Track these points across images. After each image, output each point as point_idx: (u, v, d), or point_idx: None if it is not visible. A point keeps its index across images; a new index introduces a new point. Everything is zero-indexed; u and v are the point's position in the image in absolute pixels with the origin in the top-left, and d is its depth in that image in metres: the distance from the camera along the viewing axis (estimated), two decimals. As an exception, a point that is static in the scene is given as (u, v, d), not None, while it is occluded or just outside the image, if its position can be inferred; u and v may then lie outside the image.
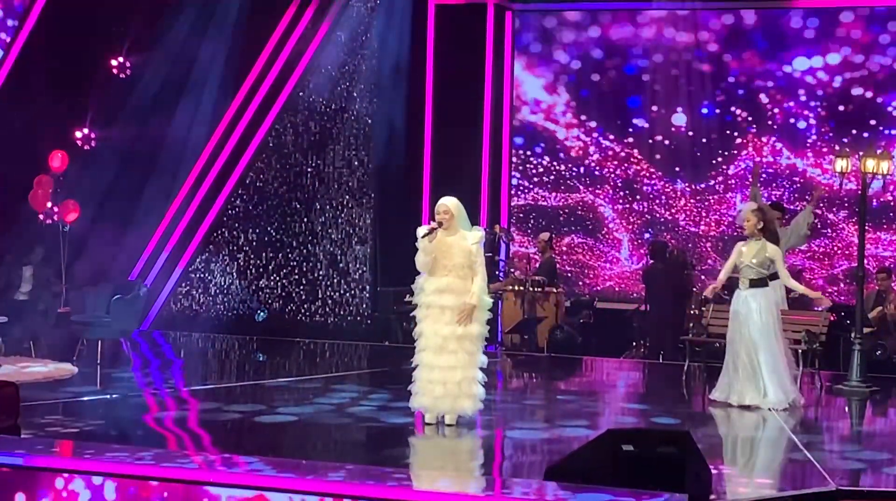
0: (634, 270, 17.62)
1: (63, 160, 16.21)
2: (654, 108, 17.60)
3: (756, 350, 11.28)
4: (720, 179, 17.38)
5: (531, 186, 18.07)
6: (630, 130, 17.75)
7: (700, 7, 17.36)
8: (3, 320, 12.96)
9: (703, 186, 17.45)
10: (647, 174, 17.67)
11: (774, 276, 11.57)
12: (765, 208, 12.23)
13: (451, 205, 9.56)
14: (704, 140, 17.40)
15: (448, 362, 9.47)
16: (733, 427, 10.83)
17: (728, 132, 17.35)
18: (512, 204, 18.10)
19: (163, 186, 17.32)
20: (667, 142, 17.58)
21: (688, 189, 17.51)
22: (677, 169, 17.56)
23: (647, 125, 17.68)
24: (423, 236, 9.47)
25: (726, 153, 17.33)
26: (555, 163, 17.96)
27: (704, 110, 17.42)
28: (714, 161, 17.36)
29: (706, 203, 17.44)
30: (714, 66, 17.38)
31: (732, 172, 17.30)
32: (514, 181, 18.12)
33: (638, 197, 17.68)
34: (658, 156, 17.59)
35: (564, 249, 17.79)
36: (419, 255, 9.53)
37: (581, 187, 17.89)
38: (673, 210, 17.56)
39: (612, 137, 17.78)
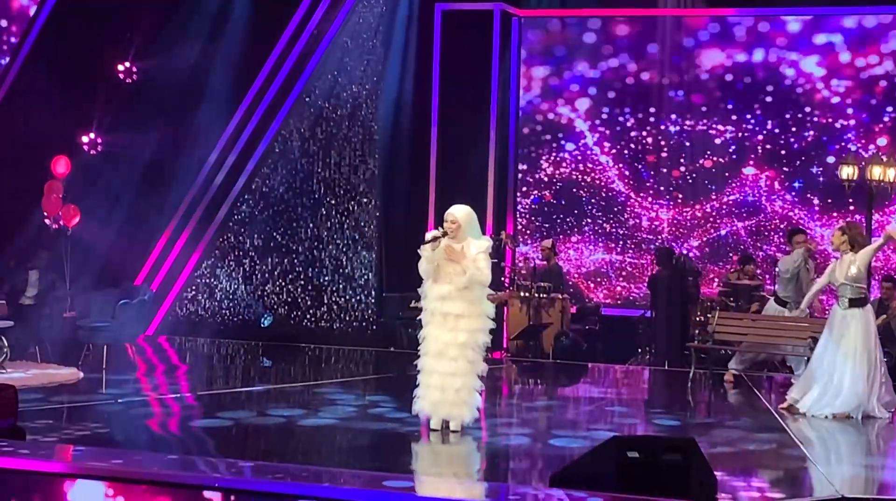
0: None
1: (66, 166, 16.23)
2: (662, 115, 17.59)
3: (844, 371, 11.29)
4: (728, 190, 17.37)
5: (537, 192, 18.06)
6: (636, 138, 17.73)
7: (710, 14, 17.37)
8: (8, 324, 12.96)
9: (708, 196, 17.46)
10: (651, 181, 17.67)
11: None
12: (850, 224, 12.10)
13: (459, 216, 9.54)
14: (712, 151, 17.41)
15: (448, 368, 9.48)
16: (739, 434, 10.81)
17: (736, 144, 17.35)
18: (518, 210, 18.09)
19: (169, 191, 17.35)
20: (673, 150, 17.57)
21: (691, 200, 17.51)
22: (682, 179, 17.55)
23: (653, 133, 17.66)
24: (426, 243, 9.47)
25: (734, 164, 17.34)
26: (561, 169, 17.95)
27: (715, 119, 17.41)
28: (723, 174, 17.38)
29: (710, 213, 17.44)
30: (727, 73, 17.38)
31: (741, 182, 17.32)
32: (520, 187, 18.10)
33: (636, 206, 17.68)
34: (664, 168, 17.59)
35: (566, 252, 17.79)
36: (422, 262, 9.53)
37: (585, 192, 17.87)
38: (679, 222, 17.56)
39: (618, 145, 17.77)
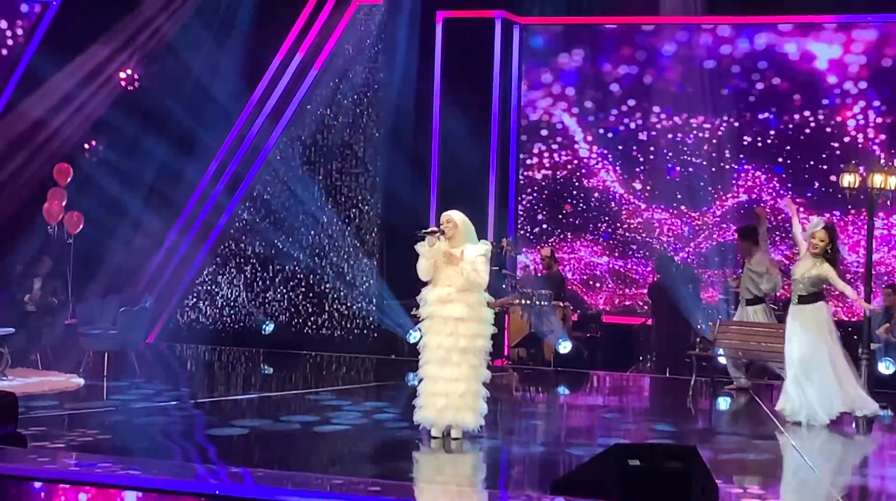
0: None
1: (67, 173, 16.27)
2: (664, 119, 17.60)
3: (804, 367, 11.31)
4: (730, 193, 17.37)
5: (538, 198, 18.06)
6: (638, 143, 17.74)
7: (713, 23, 17.38)
8: (9, 331, 12.96)
9: (705, 208, 17.44)
10: (653, 186, 17.67)
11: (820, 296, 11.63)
12: (834, 228, 12.13)
13: (455, 217, 9.56)
14: (713, 155, 17.41)
15: (451, 374, 9.45)
16: (739, 442, 10.81)
17: (737, 152, 17.35)
18: (519, 217, 18.09)
19: (170, 198, 17.38)
20: (675, 154, 17.57)
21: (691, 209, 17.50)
22: (683, 183, 17.55)
23: (656, 137, 17.66)
24: (422, 233, 9.45)
25: (734, 174, 17.34)
26: (563, 175, 17.96)
27: (713, 125, 17.41)
28: (720, 184, 17.38)
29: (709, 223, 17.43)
30: (727, 82, 17.38)
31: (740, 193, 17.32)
32: (521, 194, 18.10)
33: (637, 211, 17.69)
34: (666, 172, 17.59)
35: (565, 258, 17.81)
36: (420, 260, 9.52)
37: (586, 197, 17.87)
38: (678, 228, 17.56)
39: (620, 150, 17.76)
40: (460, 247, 9.48)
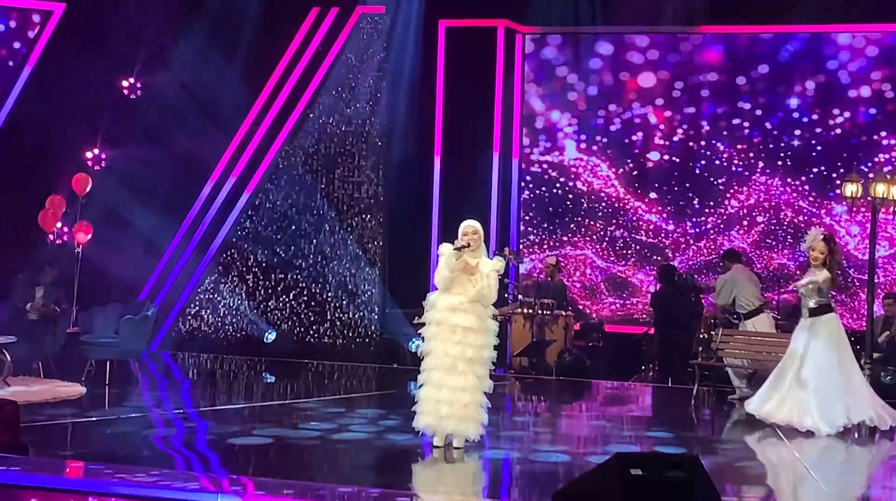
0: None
1: (85, 183, 16.29)
2: (667, 126, 17.60)
3: (809, 379, 11.36)
4: (733, 199, 17.38)
5: (540, 206, 18.06)
6: (641, 150, 17.74)
7: (712, 32, 17.42)
8: (11, 339, 12.96)
9: (707, 218, 17.44)
10: (656, 194, 17.67)
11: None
12: (829, 236, 12.15)
13: (479, 227, 9.59)
14: (713, 172, 17.43)
15: (457, 383, 9.43)
16: (742, 452, 10.79)
17: (739, 165, 17.35)
18: (521, 225, 18.08)
19: (172, 207, 17.39)
20: (675, 166, 17.58)
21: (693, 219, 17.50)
22: (684, 199, 17.55)
23: (653, 148, 17.67)
24: (453, 249, 9.41)
25: (737, 186, 17.34)
26: (564, 186, 17.96)
27: (716, 141, 17.42)
28: (725, 191, 17.38)
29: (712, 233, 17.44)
30: (729, 92, 17.39)
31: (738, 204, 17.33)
32: (523, 202, 18.11)
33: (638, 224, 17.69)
34: (669, 180, 17.60)
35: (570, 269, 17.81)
36: (442, 270, 9.46)
37: (590, 206, 17.87)
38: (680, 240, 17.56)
39: (619, 160, 17.77)
40: (477, 258, 9.50)
